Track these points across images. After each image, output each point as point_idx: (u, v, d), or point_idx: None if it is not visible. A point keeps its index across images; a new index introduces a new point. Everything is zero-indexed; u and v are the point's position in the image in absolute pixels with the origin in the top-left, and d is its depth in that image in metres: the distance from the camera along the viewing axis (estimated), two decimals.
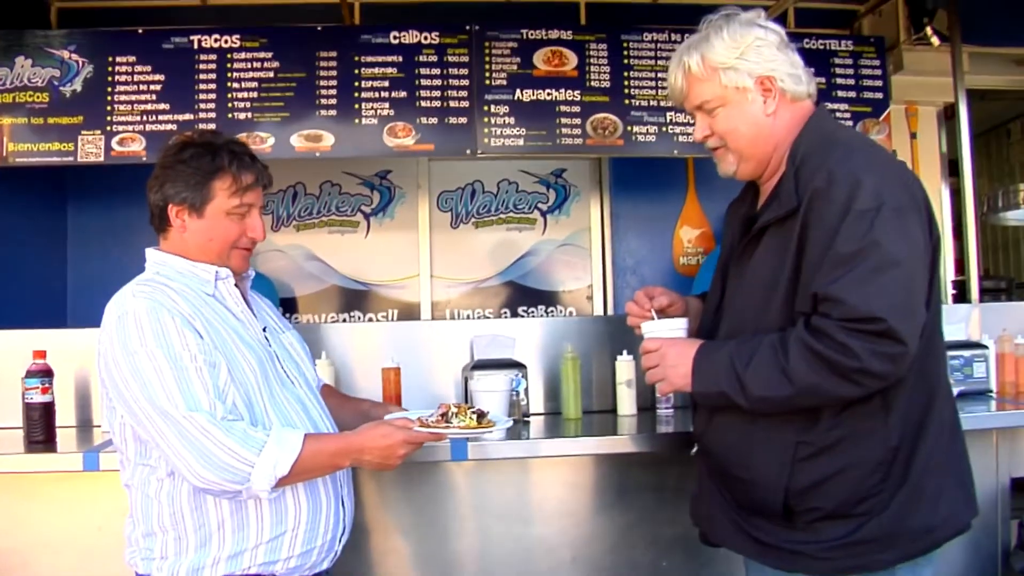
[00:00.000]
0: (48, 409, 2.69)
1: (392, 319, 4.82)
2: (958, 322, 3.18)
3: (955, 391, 2.79)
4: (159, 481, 1.86)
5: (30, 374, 2.68)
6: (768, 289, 1.80)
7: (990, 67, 4.65)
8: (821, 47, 4.24)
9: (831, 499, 1.76)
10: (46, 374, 2.70)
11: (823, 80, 4.19)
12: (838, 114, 4.17)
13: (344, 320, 4.78)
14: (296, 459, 1.78)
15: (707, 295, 2.10)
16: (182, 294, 1.90)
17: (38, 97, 3.90)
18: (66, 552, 2.61)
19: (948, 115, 4.70)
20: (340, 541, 2.00)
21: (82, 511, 2.61)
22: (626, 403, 2.95)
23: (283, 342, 2.09)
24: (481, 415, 2.00)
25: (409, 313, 4.89)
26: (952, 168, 5.12)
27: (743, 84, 1.84)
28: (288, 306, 4.75)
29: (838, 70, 4.25)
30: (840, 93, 4.21)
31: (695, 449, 2.02)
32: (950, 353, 2.98)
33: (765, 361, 1.74)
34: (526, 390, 2.88)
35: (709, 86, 1.87)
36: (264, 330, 2.05)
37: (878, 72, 4.25)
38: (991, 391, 3.02)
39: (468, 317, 4.90)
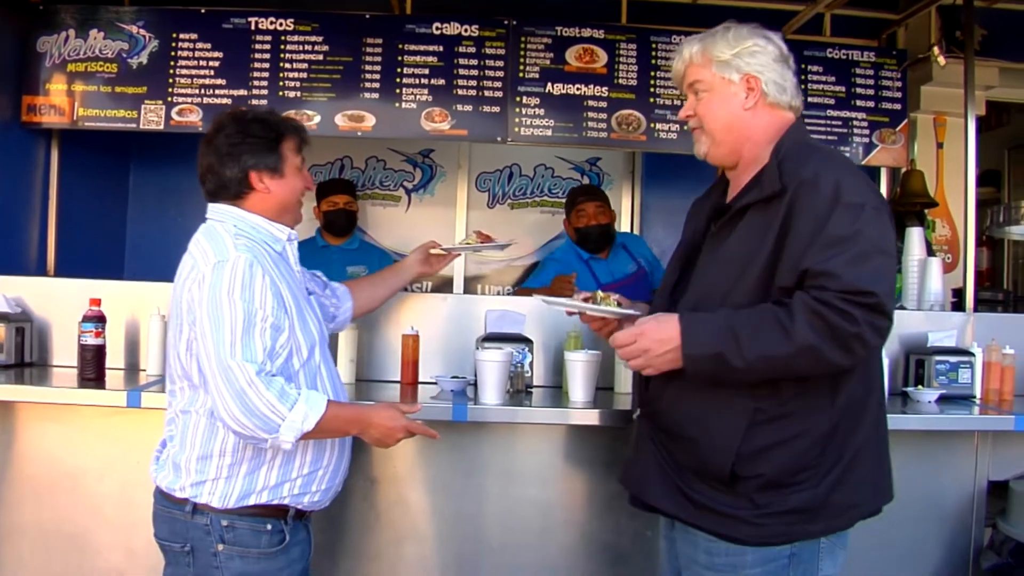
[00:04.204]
0: (100, 351, 2.81)
1: (426, 291, 4.87)
2: (951, 329, 3.18)
3: (936, 394, 2.96)
4: None
5: (86, 319, 2.80)
6: (743, 265, 1.90)
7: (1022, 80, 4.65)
8: (844, 57, 4.29)
9: (774, 466, 1.87)
10: (100, 320, 2.81)
11: (843, 89, 4.24)
12: (855, 122, 4.24)
13: None
14: (320, 419, 1.95)
15: (663, 280, 2.19)
16: (265, 253, 2.07)
17: (107, 68, 4.07)
18: (108, 479, 2.80)
19: (979, 127, 4.72)
20: (342, 484, 2.24)
21: (124, 445, 2.78)
22: (623, 381, 2.93)
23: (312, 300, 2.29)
24: (619, 303, 2.17)
25: (443, 286, 4.97)
26: (981, 180, 5.17)
27: (730, 77, 2.00)
28: None
29: (858, 80, 4.28)
30: (859, 102, 4.25)
31: (637, 413, 2.10)
32: (936, 358, 3.05)
33: (765, 321, 1.81)
34: (531, 364, 2.92)
35: (702, 71, 2.03)
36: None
37: (898, 84, 4.28)
38: (974, 397, 3.04)
39: (499, 293, 4.98)
